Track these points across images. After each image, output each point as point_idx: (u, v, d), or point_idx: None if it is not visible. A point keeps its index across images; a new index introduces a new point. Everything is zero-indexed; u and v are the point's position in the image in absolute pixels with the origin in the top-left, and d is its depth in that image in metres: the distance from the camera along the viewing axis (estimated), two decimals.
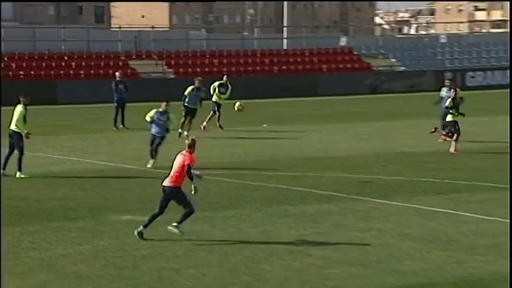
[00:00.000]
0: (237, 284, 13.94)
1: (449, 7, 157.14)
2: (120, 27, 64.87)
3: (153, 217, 16.68)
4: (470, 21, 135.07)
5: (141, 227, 16.66)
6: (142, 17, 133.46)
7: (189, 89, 32.48)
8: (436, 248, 16.11)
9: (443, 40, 64.00)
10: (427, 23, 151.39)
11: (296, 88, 51.83)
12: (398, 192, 21.57)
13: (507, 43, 60.56)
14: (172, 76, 52.68)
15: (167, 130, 25.04)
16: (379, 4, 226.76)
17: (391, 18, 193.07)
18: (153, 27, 59.90)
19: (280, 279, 14.30)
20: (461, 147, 28.72)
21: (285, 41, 61.29)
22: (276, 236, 17.17)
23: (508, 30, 35.54)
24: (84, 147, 30.11)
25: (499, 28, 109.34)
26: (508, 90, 43.44)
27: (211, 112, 33.93)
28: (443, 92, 31.02)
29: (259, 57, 55.44)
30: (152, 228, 16.87)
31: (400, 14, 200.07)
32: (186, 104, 32.20)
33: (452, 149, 28.04)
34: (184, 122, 32.10)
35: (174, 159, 16.78)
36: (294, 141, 31.50)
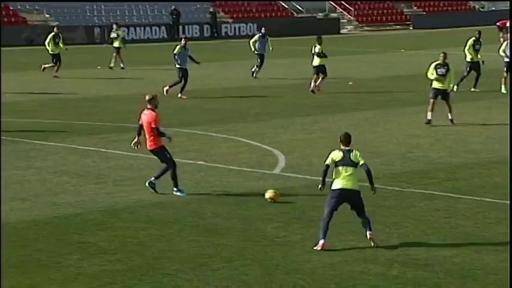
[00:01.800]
0: None
1: None
2: None
3: (164, 171, 15.22)
4: None
5: (177, 188, 15.17)
6: None
7: None
8: (89, 182, 16.23)
9: None
10: None
11: None
12: (55, 134, 21.41)
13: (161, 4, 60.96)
14: None
15: None
16: None
17: None
18: None
19: None
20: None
21: None
22: None
23: None
24: None
25: None
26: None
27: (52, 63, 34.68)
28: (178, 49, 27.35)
29: None
30: None
31: None
32: None
33: (320, 86, 28.65)
34: None
35: (139, 118, 15.36)
36: None
